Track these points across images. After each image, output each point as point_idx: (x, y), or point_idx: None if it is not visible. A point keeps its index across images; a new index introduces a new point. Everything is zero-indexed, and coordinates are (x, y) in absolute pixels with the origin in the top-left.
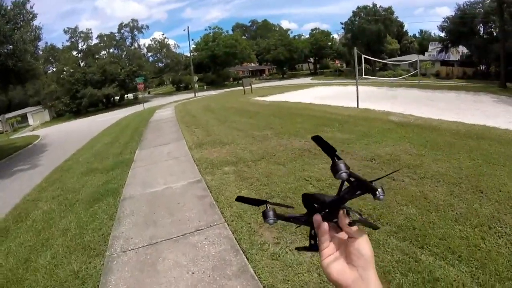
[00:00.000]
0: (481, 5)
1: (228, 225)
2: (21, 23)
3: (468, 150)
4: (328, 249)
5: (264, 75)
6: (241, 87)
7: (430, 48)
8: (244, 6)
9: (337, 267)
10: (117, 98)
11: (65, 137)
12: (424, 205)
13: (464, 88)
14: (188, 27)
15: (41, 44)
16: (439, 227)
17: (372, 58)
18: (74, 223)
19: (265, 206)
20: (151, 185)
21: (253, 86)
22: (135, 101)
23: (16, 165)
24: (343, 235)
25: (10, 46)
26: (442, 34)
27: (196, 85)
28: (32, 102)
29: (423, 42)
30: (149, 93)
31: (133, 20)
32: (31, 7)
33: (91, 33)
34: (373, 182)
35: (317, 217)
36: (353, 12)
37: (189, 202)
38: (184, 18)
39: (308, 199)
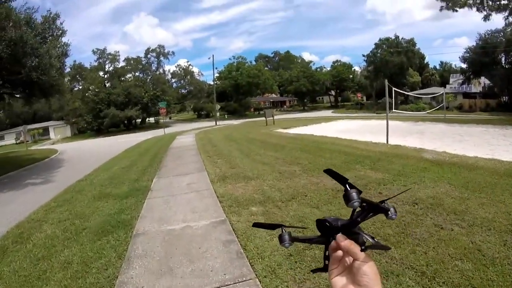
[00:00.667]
0: (502, 33)
1: (259, 281)
2: (50, 37)
3: None
4: (336, 270)
5: (285, 106)
6: (263, 118)
7: (451, 80)
8: (267, 38)
9: (342, 285)
10: (138, 120)
11: (83, 155)
12: (479, 259)
13: (490, 122)
14: (213, 55)
15: (69, 62)
16: (499, 285)
17: (403, 91)
18: (77, 257)
19: (281, 230)
20: (168, 221)
21: (275, 117)
22: (156, 125)
23: (30, 177)
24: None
25: (36, 59)
26: (464, 65)
27: (218, 114)
28: (56, 117)
29: (443, 74)
30: (170, 118)
31: (159, 46)
32: (61, 23)
33: (119, 55)
34: (385, 202)
35: (333, 244)
36: (376, 44)
37: (212, 248)
38: (209, 47)
39: (322, 224)
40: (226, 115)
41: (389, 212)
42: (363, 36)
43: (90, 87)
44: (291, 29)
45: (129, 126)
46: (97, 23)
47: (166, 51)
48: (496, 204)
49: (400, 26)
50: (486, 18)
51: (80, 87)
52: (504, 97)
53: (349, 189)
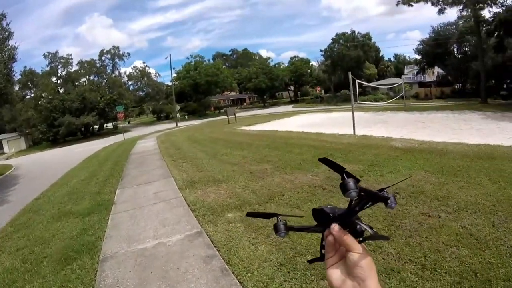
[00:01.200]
0: (454, 26)
1: None
2: None
3: (486, 173)
4: (332, 259)
5: (245, 103)
6: (224, 116)
7: (406, 71)
8: (224, 36)
9: (337, 275)
10: (96, 127)
11: (39, 169)
12: (473, 243)
13: (448, 108)
14: (170, 54)
15: (19, 68)
16: (498, 267)
17: (365, 83)
18: None
19: (276, 219)
20: (138, 238)
21: (236, 115)
22: (115, 131)
23: None
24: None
25: None
26: (418, 57)
27: (178, 115)
28: (8, 128)
29: (398, 65)
30: (129, 122)
31: (114, 47)
32: (8, 24)
33: (71, 59)
34: (384, 191)
35: (327, 232)
36: (332, 39)
37: (192, 267)
38: (165, 47)
39: (318, 213)
40: (186, 116)
41: (389, 201)
42: (319, 32)
43: (43, 94)
44: (248, 27)
45: (87, 134)
46: (48, 25)
47: (121, 52)
48: (475, 187)
49: (355, 21)
50: (440, 11)
51: (32, 95)
52: (457, 85)
53: (346, 178)
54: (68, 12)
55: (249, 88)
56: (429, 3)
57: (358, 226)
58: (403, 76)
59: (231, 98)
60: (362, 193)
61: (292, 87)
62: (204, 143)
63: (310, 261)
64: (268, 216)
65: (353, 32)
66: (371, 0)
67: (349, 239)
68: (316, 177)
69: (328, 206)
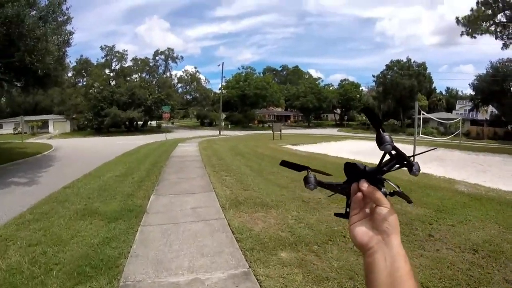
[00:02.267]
0: (510, 63)
1: None
2: (53, 22)
3: None
4: (357, 216)
5: (289, 121)
6: (268, 131)
7: (457, 106)
8: (276, 52)
9: (362, 230)
10: (140, 123)
11: (77, 154)
12: None
13: (505, 151)
14: (223, 62)
15: (75, 55)
16: None
17: (427, 115)
18: None
19: (306, 172)
20: (169, 267)
21: (282, 131)
22: (158, 129)
23: (15, 175)
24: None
25: (32, 42)
26: (469, 92)
27: (222, 123)
28: (56, 111)
29: (450, 99)
30: (172, 123)
31: (168, 49)
32: (67, 9)
33: (127, 54)
34: (411, 158)
35: (355, 186)
36: (387, 65)
37: None
38: (217, 55)
39: (349, 168)
40: (229, 125)
41: (413, 168)
42: (370, 58)
43: (94, 84)
44: (300, 45)
45: (130, 128)
46: (110, 21)
47: (175, 54)
48: None
49: (407, 50)
50: (505, 46)
51: (84, 83)
52: (510, 126)
53: (382, 132)
54: (130, 11)
55: (295, 106)
56: (493, 36)
57: (383, 187)
58: (454, 112)
59: (275, 113)
60: (394, 152)
61: (338, 110)
62: (248, 156)
63: (336, 215)
64: (299, 168)
65: (408, 60)
66: (426, 29)
67: (379, 194)
68: None
69: (360, 163)
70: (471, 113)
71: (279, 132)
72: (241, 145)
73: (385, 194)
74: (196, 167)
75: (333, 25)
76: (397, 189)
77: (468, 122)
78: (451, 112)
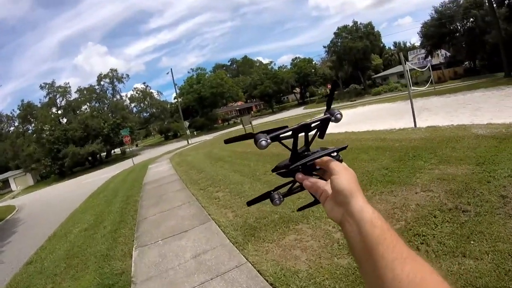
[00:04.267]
0: (455, 3)
1: None
2: None
3: None
4: (323, 196)
5: (252, 112)
6: (236, 127)
7: (410, 57)
8: (219, 49)
9: (328, 207)
10: (104, 154)
11: (42, 210)
12: None
13: (476, 86)
14: (171, 69)
15: (16, 102)
16: None
17: (418, 69)
18: None
19: (270, 194)
20: None
21: (253, 123)
22: (123, 156)
23: None
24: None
25: None
26: (416, 42)
27: (188, 131)
28: (12, 166)
29: (401, 52)
30: (137, 145)
31: (112, 70)
32: None
33: (69, 87)
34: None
35: (298, 176)
36: (335, 33)
37: None
38: (162, 67)
39: (280, 173)
40: (195, 132)
41: (334, 113)
42: (311, 33)
43: (44, 127)
44: (241, 37)
45: (95, 162)
46: (45, 59)
47: (119, 75)
48: None
49: (344, 17)
50: None
51: (33, 129)
52: (467, 63)
53: (255, 135)
54: (63, 44)
55: (255, 96)
56: None
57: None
58: (408, 63)
59: (237, 108)
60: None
61: (298, 89)
62: (230, 160)
63: (300, 209)
64: (265, 196)
65: (355, 23)
66: None
67: (310, 179)
68: (431, 193)
69: (282, 162)
70: (426, 60)
71: (250, 125)
72: (215, 149)
73: (337, 159)
74: (176, 189)
75: (268, 10)
76: (326, 151)
77: (427, 70)
78: (405, 64)
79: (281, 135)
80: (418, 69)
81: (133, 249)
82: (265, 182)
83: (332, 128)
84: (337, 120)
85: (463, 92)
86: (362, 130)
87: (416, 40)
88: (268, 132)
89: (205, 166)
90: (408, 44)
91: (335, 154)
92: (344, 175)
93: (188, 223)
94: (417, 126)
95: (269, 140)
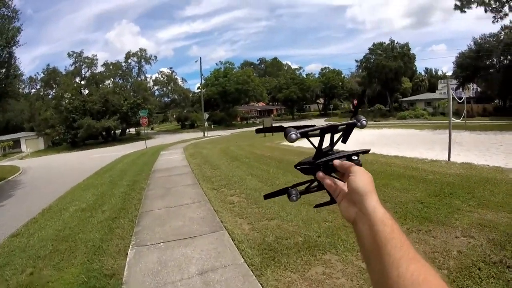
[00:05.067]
0: (495, 38)
1: None
2: None
3: None
4: (340, 196)
5: (272, 115)
6: (253, 128)
7: (440, 86)
8: (250, 47)
9: (343, 206)
10: (118, 131)
11: (45, 177)
12: None
13: (507, 128)
14: (200, 57)
15: (42, 66)
16: None
17: (457, 99)
18: None
19: (288, 189)
20: None
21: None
22: (138, 137)
23: None
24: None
25: None
26: (448, 72)
27: (206, 123)
28: (27, 127)
29: (431, 79)
30: (152, 129)
31: (141, 50)
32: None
33: (97, 59)
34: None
35: (319, 175)
36: (369, 49)
37: None
38: (191, 56)
39: (303, 169)
40: (212, 125)
41: (360, 120)
42: (343, 45)
43: (65, 94)
44: (273, 38)
45: (108, 138)
46: (79, 30)
47: (148, 55)
48: None
49: (379, 34)
50: (495, 19)
51: (54, 94)
52: (499, 101)
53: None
54: (98, 17)
55: (279, 99)
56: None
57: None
58: (437, 91)
59: (258, 109)
60: (299, 134)
61: (321, 100)
62: (247, 161)
63: (316, 206)
64: (283, 192)
65: (392, 41)
66: (396, 12)
67: (330, 180)
68: (473, 240)
69: (306, 159)
70: (457, 91)
71: None
72: (232, 146)
73: (356, 162)
74: (187, 184)
75: (305, 15)
76: (348, 154)
77: (455, 100)
78: (434, 92)
79: (309, 132)
80: (457, 99)
81: (130, 246)
82: None
83: (358, 147)
84: (362, 126)
85: (494, 131)
86: (391, 154)
87: (447, 69)
88: (297, 127)
89: (220, 163)
90: (440, 73)
91: (356, 158)
92: (361, 176)
93: (196, 228)
94: (451, 160)
95: (298, 135)
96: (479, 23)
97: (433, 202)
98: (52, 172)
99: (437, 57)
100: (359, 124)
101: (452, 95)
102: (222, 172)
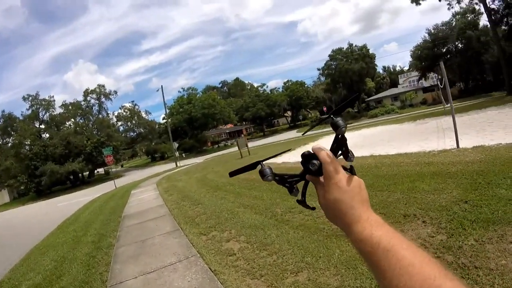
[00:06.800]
0: (448, 26)
1: None
2: None
3: None
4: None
5: (242, 135)
6: (225, 151)
7: (401, 80)
8: (209, 72)
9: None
10: (86, 173)
11: (10, 233)
12: None
13: (483, 105)
14: (161, 86)
15: None
16: None
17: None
18: None
19: (260, 166)
20: None
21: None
22: (107, 177)
23: None
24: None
25: None
26: (405, 66)
27: (177, 153)
28: None
29: (391, 76)
30: (122, 166)
31: (99, 86)
32: None
33: (54, 100)
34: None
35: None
36: (330, 55)
37: None
38: (151, 88)
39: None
40: (183, 154)
41: (349, 155)
42: (299, 58)
43: (24, 141)
44: (231, 62)
45: (76, 182)
46: (36, 74)
47: (107, 91)
48: None
49: (332, 43)
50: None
51: (13, 142)
52: (461, 84)
53: (262, 166)
54: (54, 60)
55: (247, 118)
56: None
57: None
58: (399, 86)
59: (227, 131)
60: (277, 178)
61: (289, 113)
62: (232, 189)
63: (299, 201)
64: (252, 167)
65: (350, 45)
66: (345, 20)
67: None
68: None
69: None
70: (419, 82)
71: (246, 148)
72: (210, 174)
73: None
74: (166, 231)
75: (259, 36)
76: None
77: (420, 90)
78: (397, 87)
79: (284, 175)
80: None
81: None
82: (298, 225)
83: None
84: (349, 161)
85: (473, 111)
86: (390, 153)
87: (403, 64)
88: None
89: (201, 196)
90: (397, 68)
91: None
92: (326, 204)
93: None
94: (460, 146)
95: (272, 176)
96: (425, 18)
97: (477, 198)
98: (14, 230)
99: (394, 53)
100: (348, 157)
101: (420, 84)
102: (206, 208)
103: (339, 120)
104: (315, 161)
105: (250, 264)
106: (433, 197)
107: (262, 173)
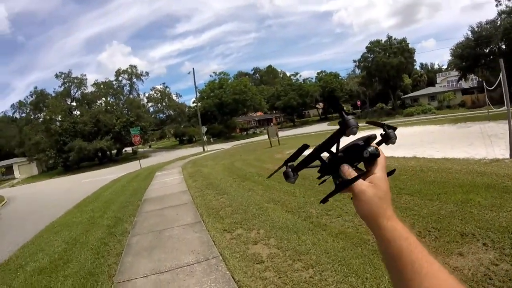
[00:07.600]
0: (490, 25)
1: None
2: None
3: None
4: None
5: (272, 124)
6: (253, 139)
7: (438, 79)
8: (242, 59)
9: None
10: (114, 151)
11: (28, 209)
12: None
13: None
14: (193, 68)
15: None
16: None
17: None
18: None
19: (285, 167)
20: None
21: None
22: (135, 156)
23: None
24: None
25: None
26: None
27: (205, 137)
28: (19, 153)
29: (428, 74)
30: (150, 146)
31: (131, 67)
32: None
33: (86, 78)
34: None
35: (344, 167)
36: (367, 47)
37: None
38: (183, 72)
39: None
40: (211, 139)
41: (390, 135)
42: (334, 49)
43: (54, 117)
44: (264, 49)
45: (103, 160)
46: (71, 54)
47: (138, 71)
48: None
49: (368, 36)
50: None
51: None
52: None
53: (346, 116)
54: (89, 41)
55: (278, 107)
56: None
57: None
58: (437, 85)
59: (257, 119)
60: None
61: (321, 104)
62: (261, 180)
63: (322, 201)
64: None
65: (389, 38)
66: (382, 12)
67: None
68: None
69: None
70: (458, 83)
71: (276, 137)
72: (237, 162)
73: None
74: (186, 223)
75: (293, 24)
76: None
77: (459, 92)
78: (434, 86)
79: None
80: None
81: None
82: (337, 232)
83: (392, 150)
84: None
85: None
86: (435, 157)
87: (441, 62)
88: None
89: (227, 185)
90: (435, 67)
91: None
92: (360, 200)
93: None
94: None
95: (296, 176)
96: (465, 15)
97: None
98: (35, 204)
99: (432, 49)
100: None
101: (464, 84)
102: (232, 199)
103: (351, 119)
104: (373, 148)
105: (281, 278)
106: (492, 214)
107: (286, 175)
